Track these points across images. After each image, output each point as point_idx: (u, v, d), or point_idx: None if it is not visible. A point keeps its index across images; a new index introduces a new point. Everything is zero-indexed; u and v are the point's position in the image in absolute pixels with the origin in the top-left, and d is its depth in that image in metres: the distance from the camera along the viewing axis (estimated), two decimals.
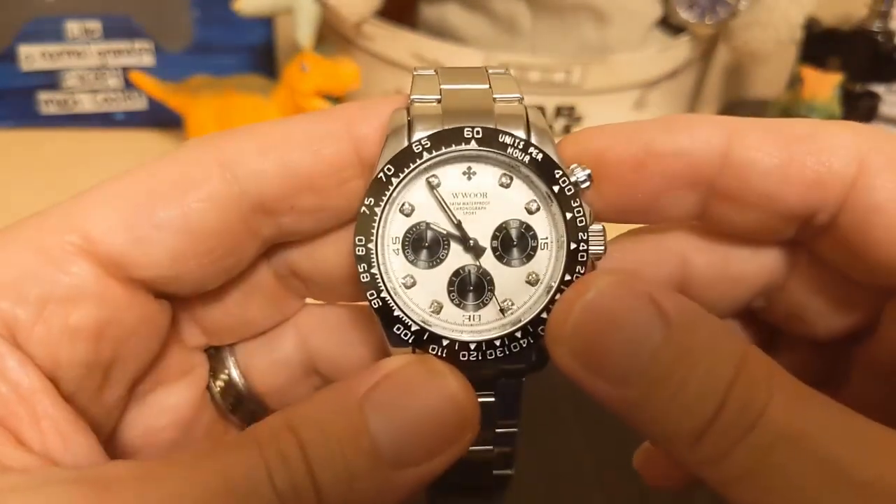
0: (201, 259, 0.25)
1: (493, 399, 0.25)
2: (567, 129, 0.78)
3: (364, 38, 0.77)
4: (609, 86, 0.77)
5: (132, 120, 0.84)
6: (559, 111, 0.77)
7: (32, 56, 0.80)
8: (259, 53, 0.84)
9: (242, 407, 0.30)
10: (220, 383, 0.30)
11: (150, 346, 0.26)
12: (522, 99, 0.25)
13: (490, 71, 0.26)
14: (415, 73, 0.26)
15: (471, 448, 0.25)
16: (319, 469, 0.21)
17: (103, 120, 0.83)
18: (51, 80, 0.81)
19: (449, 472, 0.27)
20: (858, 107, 0.79)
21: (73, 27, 0.80)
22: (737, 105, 0.95)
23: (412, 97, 0.25)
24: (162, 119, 0.81)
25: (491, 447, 0.26)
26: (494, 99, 0.25)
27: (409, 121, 0.24)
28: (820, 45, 0.78)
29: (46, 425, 0.22)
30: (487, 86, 0.25)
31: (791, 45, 0.79)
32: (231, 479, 0.20)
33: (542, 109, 0.26)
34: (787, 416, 0.21)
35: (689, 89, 0.84)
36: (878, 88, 0.80)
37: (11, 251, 0.23)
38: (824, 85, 0.78)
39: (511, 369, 0.25)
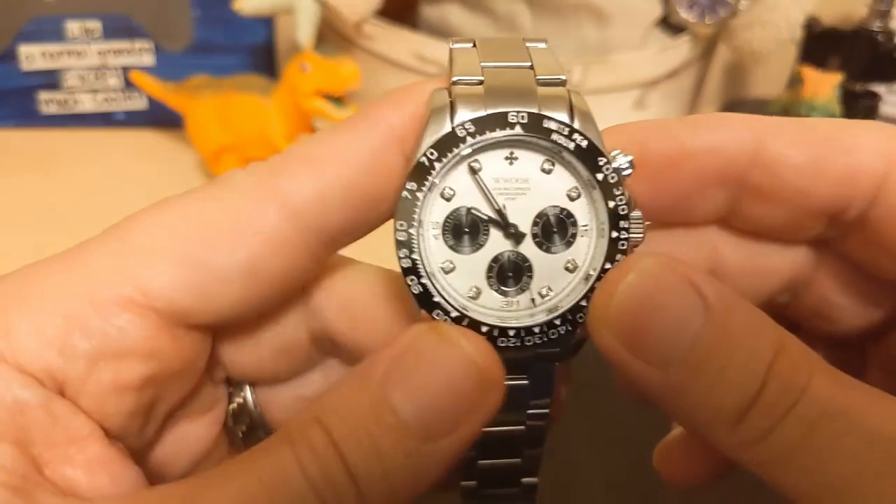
0: (266, 299, 0.25)
1: (526, 381, 0.25)
2: None
3: (364, 38, 0.77)
4: (609, 86, 0.76)
5: (132, 120, 0.84)
6: None
7: (32, 56, 0.80)
8: (259, 53, 0.84)
9: (255, 436, 0.30)
10: (233, 406, 0.30)
11: (190, 384, 0.26)
12: (566, 81, 0.24)
13: (528, 44, 0.26)
14: (452, 45, 0.25)
15: (503, 428, 0.25)
16: (349, 453, 0.20)
17: (103, 120, 0.83)
18: (51, 79, 0.81)
19: (477, 483, 0.27)
20: (858, 107, 0.79)
21: (73, 27, 0.80)
22: (737, 105, 0.95)
23: (454, 78, 0.24)
24: (162, 119, 0.81)
25: (523, 426, 0.26)
26: (538, 81, 0.24)
27: (450, 101, 0.24)
28: (820, 44, 0.78)
29: (97, 468, 0.22)
30: (529, 64, 0.25)
31: (791, 45, 0.79)
32: (266, 480, 0.20)
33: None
34: (829, 394, 0.21)
35: (689, 89, 0.84)
36: (878, 88, 0.80)
37: (61, 301, 0.23)
38: (824, 85, 0.78)
39: (546, 353, 0.24)
